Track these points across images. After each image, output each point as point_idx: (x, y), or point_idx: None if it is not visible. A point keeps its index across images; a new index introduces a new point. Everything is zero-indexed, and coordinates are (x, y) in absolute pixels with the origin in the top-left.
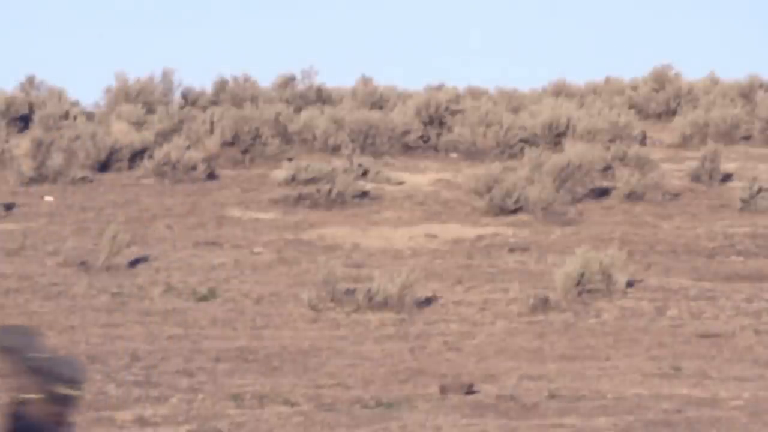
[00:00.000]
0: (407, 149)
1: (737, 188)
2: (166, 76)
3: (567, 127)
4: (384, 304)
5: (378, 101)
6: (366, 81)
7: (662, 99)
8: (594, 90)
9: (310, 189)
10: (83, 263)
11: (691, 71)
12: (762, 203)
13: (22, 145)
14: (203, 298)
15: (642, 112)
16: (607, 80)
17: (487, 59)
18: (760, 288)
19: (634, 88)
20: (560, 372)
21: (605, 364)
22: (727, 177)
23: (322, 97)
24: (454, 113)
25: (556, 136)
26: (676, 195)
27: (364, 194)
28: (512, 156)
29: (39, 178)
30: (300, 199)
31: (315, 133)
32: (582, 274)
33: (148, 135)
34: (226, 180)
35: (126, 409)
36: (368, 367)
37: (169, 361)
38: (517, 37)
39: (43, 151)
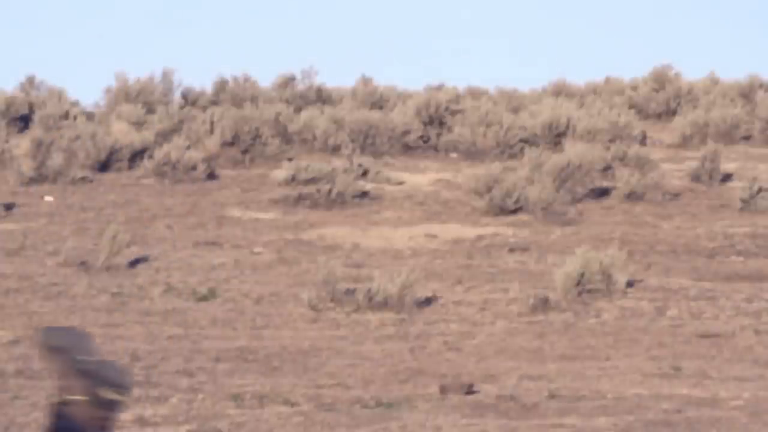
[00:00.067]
0: (407, 149)
1: (737, 188)
2: (166, 76)
3: (567, 127)
4: (384, 304)
5: (378, 101)
6: (366, 81)
7: (662, 99)
8: (594, 90)
9: (310, 189)
10: (83, 263)
11: (691, 71)
12: (762, 203)
13: (22, 145)
14: (203, 298)
15: (642, 112)
16: (607, 80)
17: (487, 59)
18: (760, 288)
19: (634, 88)
20: (560, 372)
21: (605, 364)
22: (727, 177)
23: (322, 97)
24: (454, 113)
25: (556, 136)
26: (676, 195)
27: (364, 194)
28: (512, 156)
29: (39, 178)
30: (300, 199)
31: (315, 133)
32: (582, 274)
33: (148, 135)
34: (226, 180)
35: (123, 411)
36: (368, 367)
37: (169, 361)
38: (517, 37)
39: (43, 151)
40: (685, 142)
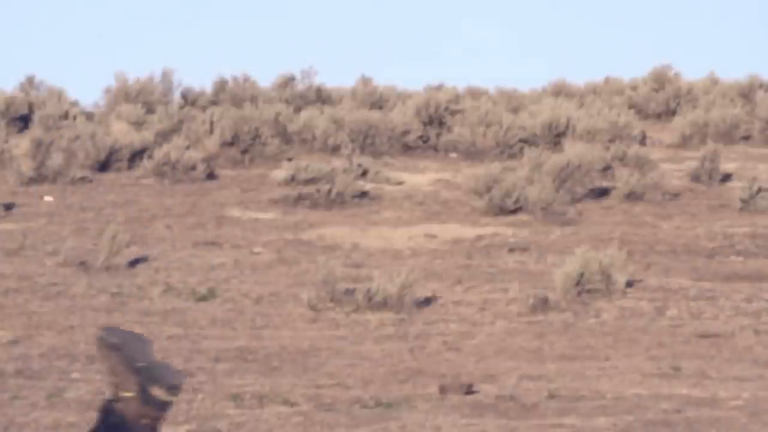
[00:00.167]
0: (407, 149)
1: (737, 188)
2: (166, 76)
3: (567, 127)
4: (383, 304)
5: (378, 101)
6: (366, 81)
7: (662, 99)
8: (594, 90)
9: (309, 189)
10: (83, 263)
11: (690, 71)
12: (762, 203)
13: (21, 145)
14: (203, 298)
15: (642, 112)
16: (607, 80)
17: (487, 59)
18: (760, 288)
19: (634, 88)
20: (560, 372)
21: (605, 364)
22: (726, 177)
23: (321, 97)
24: (453, 113)
25: (556, 136)
26: (675, 195)
27: (363, 194)
28: (512, 156)
29: (39, 178)
30: (300, 199)
31: (315, 133)
32: (581, 274)
33: (147, 135)
34: (226, 180)
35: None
36: (368, 367)
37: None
38: (517, 37)
39: (43, 151)
40: (684, 142)
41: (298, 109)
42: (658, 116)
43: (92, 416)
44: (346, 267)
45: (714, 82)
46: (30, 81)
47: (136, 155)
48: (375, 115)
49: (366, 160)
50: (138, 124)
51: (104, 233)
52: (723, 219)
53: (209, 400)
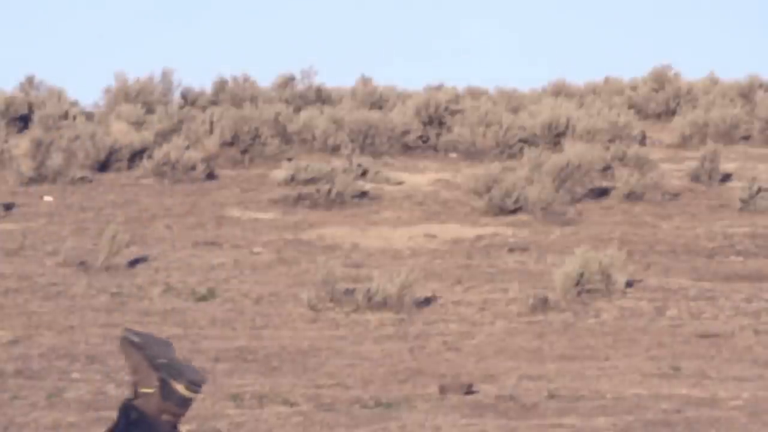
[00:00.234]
0: (407, 149)
1: (737, 188)
2: (166, 76)
3: (566, 127)
4: (383, 304)
5: (377, 101)
6: (365, 81)
7: (662, 99)
8: (593, 90)
9: (309, 189)
10: (83, 263)
11: (690, 71)
12: (761, 203)
13: (21, 145)
14: (202, 298)
15: (641, 112)
16: (607, 80)
17: (487, 59)
18: (760, 288)
19: (634, 88)
20: (560, 372)
21: (605, 364)
22: (726, 177)
23: (321, 97)
24: (453, 113)
25: (556, 136)
26: (675, 195)
27: (363, 194)
28: (512, 156)
29: (38, 178)
30: (299, 199)
31: (314, 133)
32: (581, 274)
33: (147, 135)
34: (226, 180)
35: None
36: (368, 367)
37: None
38: (517, 37)
39: (43, 151)
40: (684, 142)
41: (298, 109)
42: (658, 116)
43: (92, 416)
44: (346, 267)
45: (714, 82)
46: (30, 81)
47: (136, 155)
48: (375, 115)
49: (366, 160)
50: (138, 124)
51: (104, 233)
52: (723, 219)
53: (209, 400)
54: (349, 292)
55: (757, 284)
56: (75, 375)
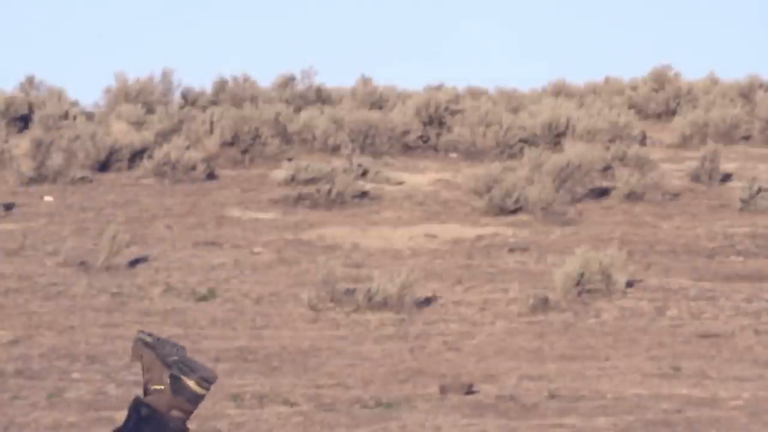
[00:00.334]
0: (407, 149)
1: (737, 188)
2: (166, 76)
3: (567, 127)
4: (384, 304)
5: (378, 101)
6: (366, 81)
7: (662, 99)
8: (594, 90)
9: (309, 189)
10: (83, 263)
11: (690, 71)
12: (762, 203)
13: (21, 145)
14: (203, 298)
15: (642, 112)
16: (607, 80)
17: (487, 59)
18: (760, 288)
19: (634, 88)
20: (560, 372)
21: (605, 364)
22: (726, 177)
23: (321, 97)
24: (453, 113)
25: (556, 136)
26: (676, 195)
27: (363, 194)
28: (512, 156)
29: (39, 178)
30: (300, 199)
31: (315, 133)
32: (582, 274)
33: (147, 135)
34: (226, 180)
35: (126, 410)
36: (368, 367)
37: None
38: (516, 37)
39: (43, 151)
40: (684, 142)
41: (298, 109)
42: (658, 116)
43: (93, 416)
44: (346, 267)
45: (714, 82)
46: (30, 81)
47: (136, 155)
48: (375, 115)
49: (366, 160)
50: (138, 124)
51: (104, 233)
52: (723, 219)
53: (209, 400)
54: (350, 292)
55: (758, 284)
56: (75, 375)
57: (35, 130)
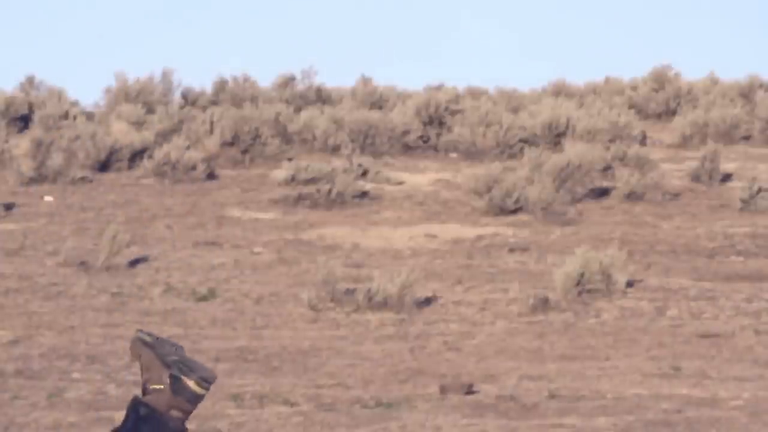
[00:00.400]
0: (407, 149)
1: (737, 188)
2: (166, 76)
3: (567, 127)
4: (384, 304)
5: (378, 101)
6: (366, 81)
7: (662, 99)
8: (594, 90)
9: (310, 189)
10: (83, 263)
11: (690, 71)
12: (762, 203)
13: (22, 145)
14: (203, 298)
15: (642, 112)
16: (607, 80)
17: (487, 59)
18: (760, 288)
19: (634, 88)
20: (560, 372)
21: (605, 364)
22: (727, 177)
23: (321, 97)
24: (453, 113)
25: (556, 136)
26: (676, 195)
27: (363, 194)
28: (512, 156)
29: (39, 178)
30: (300, 199)
31: (315, 133)
32: (582, 274)
33: (148, 135)
34: (226, 180)
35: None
36: (368, 367)
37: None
38: (516, 37)
39: (43, 151)
40: (685, 142)
41: (298, 109)
42: (658, 116)
43: (93, 416)
44: (347, 267)
45: (714, 82)
46: (30, 81)
47: (136, 155)
48: (375, 115)
49: (366, 160)
50: (138, 124)
51: (104, 233)
52: (723, 219)
53: (209, 400)
54: (350, 292)
55: (758, 284)
56: (75, 375)
57: (35, 130)
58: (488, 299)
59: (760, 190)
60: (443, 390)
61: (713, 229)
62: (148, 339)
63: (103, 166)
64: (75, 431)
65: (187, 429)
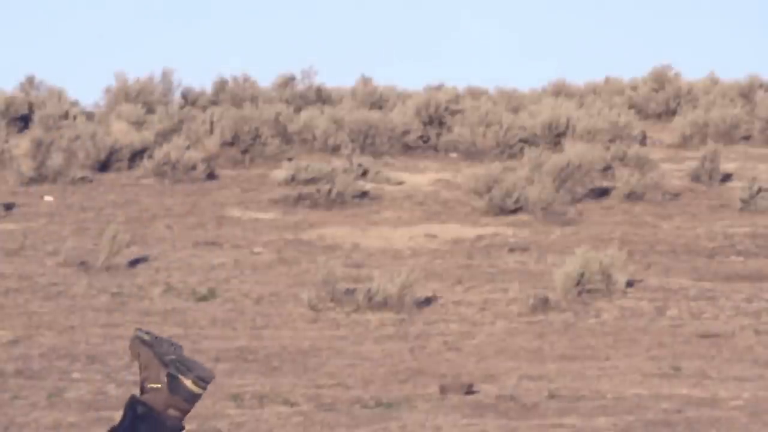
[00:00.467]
0: (407, 149)
1: (737, 188)
2: (166, 76)
3: (567, 127)
4: (384, 304)
5: (378, 101)
6: (366, 81)
7: (662, 99)
8: (594, 90)
9: (310, 189)
10: (83, 263)
11: (690, 71)
12: (762, 203)
13: (22, 145)
14: (203, 298)
15: (642, 112)
16: (607, 80)
17: (487, 59)
18: (760, 288)
19: (634, 88)
20: (560, 372)
21: (605, 364)
22: (727, 177)
23: (321, 97)
24: (453, 113)
25: (556, 136)
26: (676, 195)
27: (363, 194)
28: (512, 156)
29: (39, 178)
30: (300, 199)
31: (315, 133)
32: (582, 274)
33: (148, 135)
34: (226, 180)
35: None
36: (368, 367)
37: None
38: (517, 37)
39: (43, 151)
40: (685, 142)
41: (298, 109)
42: (658, 116)
43: (93, 416)
44: (346, 267)
45: (714, 82)
46: (30, 81)
47: (136, 155)
48: (375, 115)
49: (366, 160)
50: (138, 124)
51: (104, 233)
52: (723, 219)
53: (209, 400)
54: (350, 292)
55: (758, 284)
56: (75, 375)
57: (35, 130)
58: (488, 299)
59: (760, 190)
60: (443, 390)
61: (713, 229)
62: (146, 338)
63: (103, 166)
64: (75, 431)
65: (184, 427)
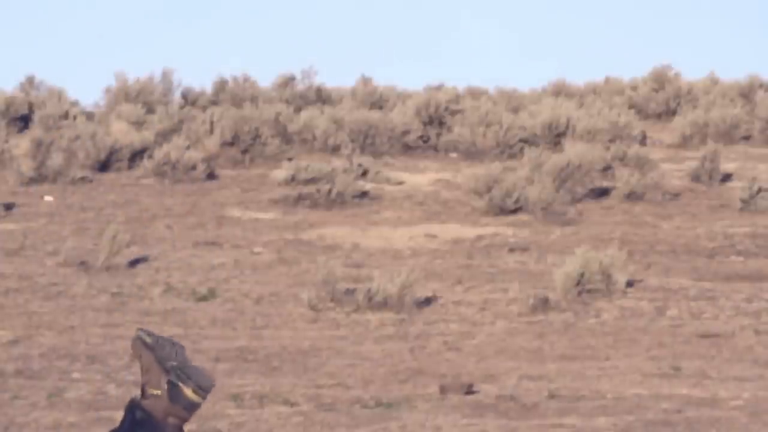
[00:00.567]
0: (407, 149)
1: (737, 188)
2: (166, 76)
3: (567, 127)
4: (384, 304)
5: (378, 101)
6: (366, 81)
7: (662, 99)
8: (594, 90)
9: (310, 189)
10: (83, 263)
11: (690, 71)
12: (762, 203)
13: (22, 145)
14: (203, 298)
15: (642, 112)
16: (607, 80)
17: (487, 59)
18: (760, 288)
19: (634, 88)
20: (560, 372)
21: (605, 364)
22: (727, 177)
23: (321, 97)
24: (453, 113)
25: (556, 136)
26: (676, 195)
27: (363, 194)
28: (512, 156)
29: (39, 178)
30: (300, 199)
31: (315, 133)
32: (582, 274)
33: (147, 135)
34: (226, 180)
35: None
36: (368, 367)
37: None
38: (516, 37)
39: (43, 151)
40: (685, 142)
41: (298, 109)
42: (658, 116)
43: (93, 416)
44: (346, 267)
45: (714, 82)
46: (30, 81)
47: (136, 155)
48: (375, 115)
49: (366, 160)
50: (138, 124)
51: (104, 233)
52: (723, 219)
53: (209, 400)
54: (350, 292)
55: (758, 284)
56: (75, 375)
57: (35, 130)
58: (488, 299)
59: (760, 190)
60: (443, 390)
61: (713, 229)
62: (148, 340)
63: (103, 166)
64: (75, 431)
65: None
